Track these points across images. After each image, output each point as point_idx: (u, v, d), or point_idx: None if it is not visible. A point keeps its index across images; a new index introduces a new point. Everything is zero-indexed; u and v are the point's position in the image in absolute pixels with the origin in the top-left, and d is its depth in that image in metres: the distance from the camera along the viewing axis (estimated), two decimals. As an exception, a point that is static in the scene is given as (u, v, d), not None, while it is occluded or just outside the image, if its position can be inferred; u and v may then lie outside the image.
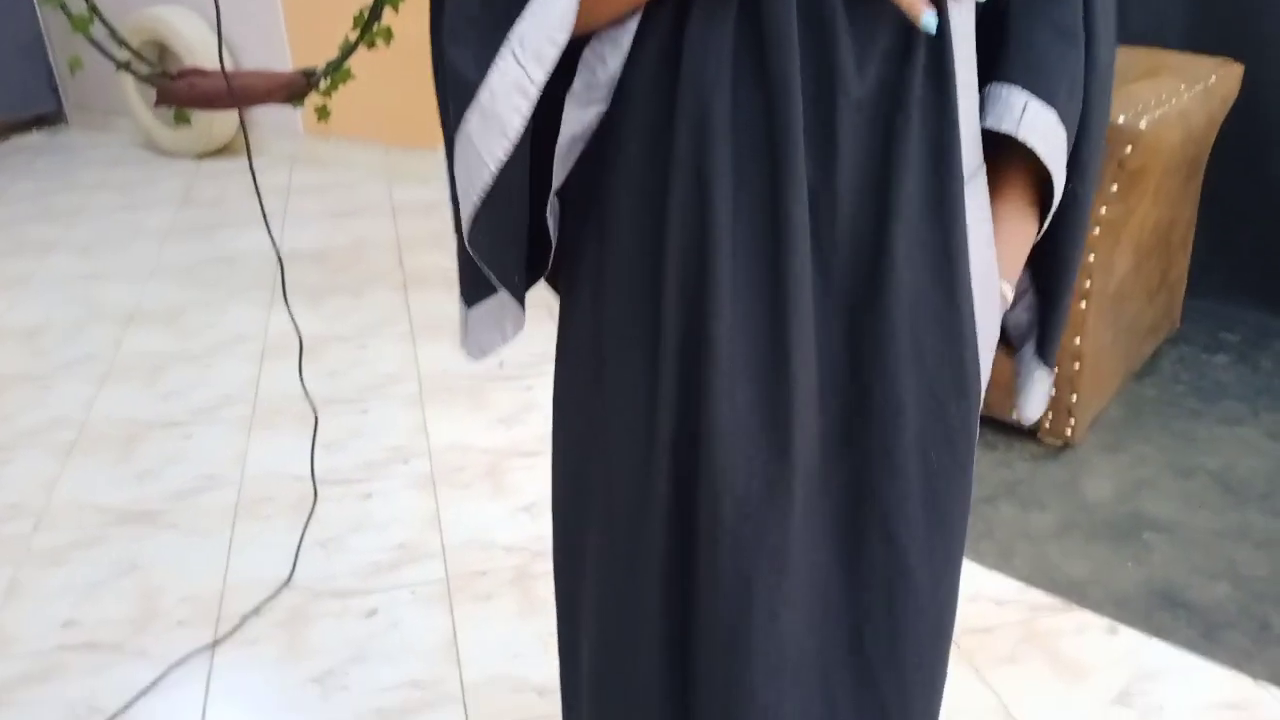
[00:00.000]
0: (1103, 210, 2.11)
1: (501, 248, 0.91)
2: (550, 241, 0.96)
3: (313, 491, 2.25)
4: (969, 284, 0.88)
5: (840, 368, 0.87)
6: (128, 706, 1.75)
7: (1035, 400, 1.13)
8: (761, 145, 0.82)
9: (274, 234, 1.60)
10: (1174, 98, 2.20)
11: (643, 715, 0.98)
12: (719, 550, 0.88)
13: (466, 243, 0.89)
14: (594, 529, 1.00)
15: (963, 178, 0.86)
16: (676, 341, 0.86)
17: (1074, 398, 2.27)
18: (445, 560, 2.08)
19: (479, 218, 0.86)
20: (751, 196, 0.83)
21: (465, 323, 1.02)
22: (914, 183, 0.84)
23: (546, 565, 2.06)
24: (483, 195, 0.84)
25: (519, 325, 1.01)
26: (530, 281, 1.01)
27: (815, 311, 0.85)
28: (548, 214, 0.94)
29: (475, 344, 1.03)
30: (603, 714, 1.04)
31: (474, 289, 0.98)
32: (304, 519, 2.18)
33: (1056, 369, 2.26)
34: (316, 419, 2.03)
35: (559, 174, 0.91)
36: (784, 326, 0.84)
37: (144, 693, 1.77)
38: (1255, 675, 1.75)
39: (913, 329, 0.87)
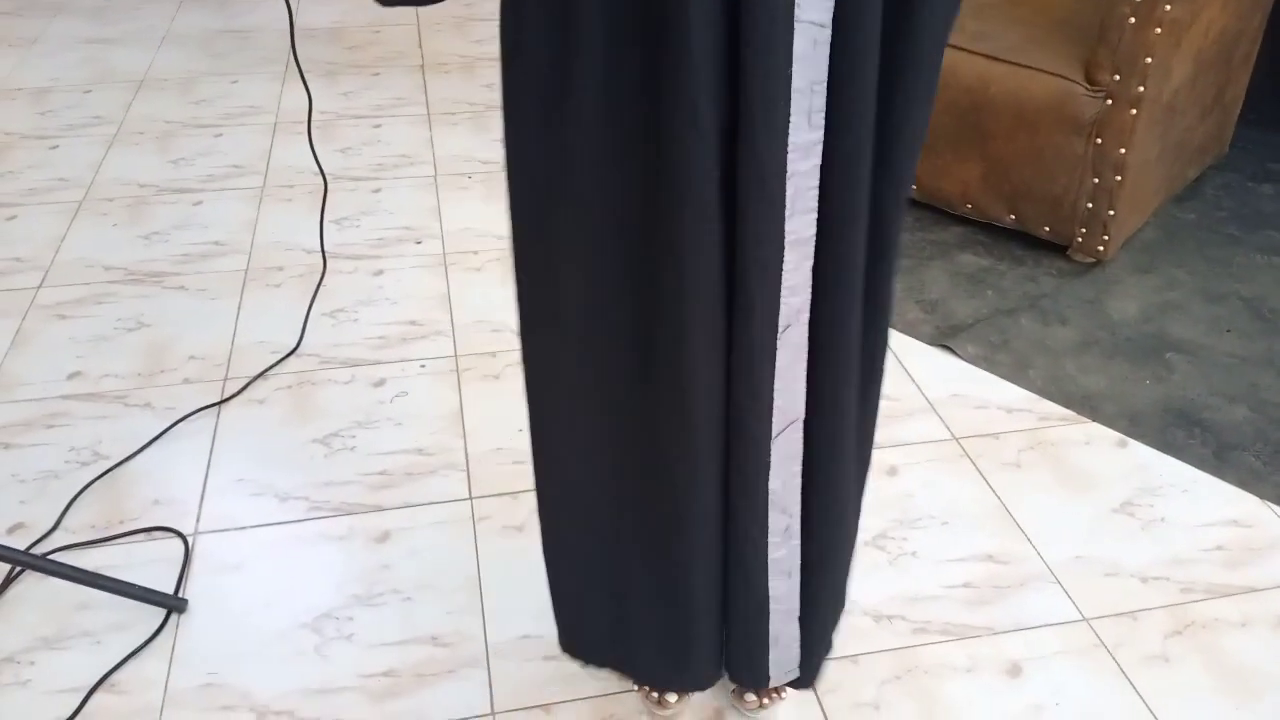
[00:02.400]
0: (1167, 7, 1.97)
1: None
2: None
3: (322, 262, 2.21)
4: None
5: None
6: (133, 455, 1.76)
7: None
8: None
9: (291, 7, 1.51)
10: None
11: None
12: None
13: None
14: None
15: None
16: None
17: (1111, 213, 2.18)
18: (455, 339, 2.05)
19: None
20: None
21: None
22: None
23: (555, 350, 2.06)
24: None
25: None
26: None
27: None
28: None
29: None
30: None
31: None
32: (313, 289, 2.16)
33: (1097, 180, 2.18)
34: (326, 184, 1.96)
35: None
36: None
37: (150, 444, 1.78)
38: (1263, 495, 1.74)
39: None
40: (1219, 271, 2.29)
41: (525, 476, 1.74)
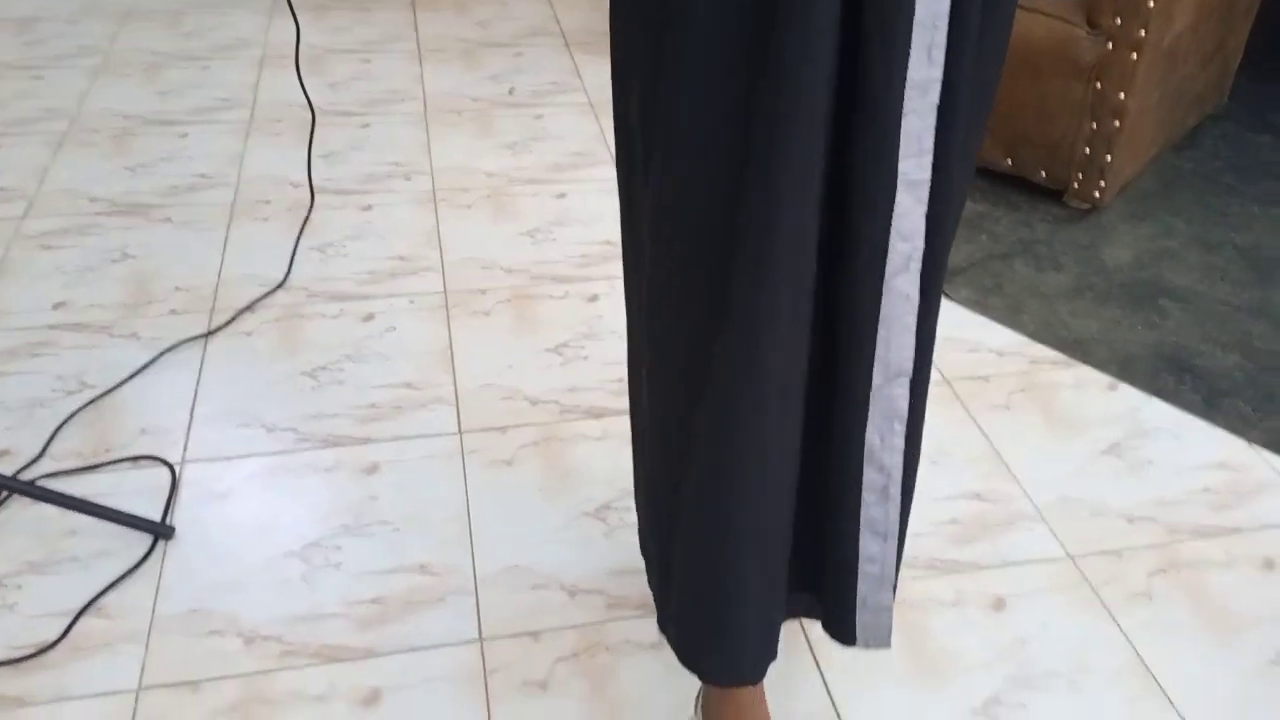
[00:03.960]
0: (1172, -51, 1.94)
1: None
2: None
3: (309, 195, 2.19)
4: None
5: None
6: (119, 385, 1.74)
7: None
8: None
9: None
10: None
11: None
12: None
13: None
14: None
15: None
16: None
17: (1108, 158, 2.17)
18: (444, 275, 2.04)
19: None
20: None
21: None
22: None
23: (545, 289, 2.04)
24: None
25: None
26: None
27: None
28: None
29: None
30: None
31: None
32: (300, 223, 2.13)
33: (1095, 125, 2.16)
34: (314, 117, 1.93)
35: None
36: None
37: (136, 373, 1.77)
38: (1251, 440, 1.74)
39: None
40: (1215, 220, 2.28)
41: (514, 413, 1.73)
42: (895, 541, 1.06)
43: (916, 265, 0.93)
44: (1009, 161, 2.30)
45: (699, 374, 0.98)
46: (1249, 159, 2.49)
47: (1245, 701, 1.34)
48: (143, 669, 1.32)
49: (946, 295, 2.03)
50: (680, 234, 0.93)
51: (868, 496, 1.03)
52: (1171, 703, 1.33)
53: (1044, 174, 2.27)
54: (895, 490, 1.03)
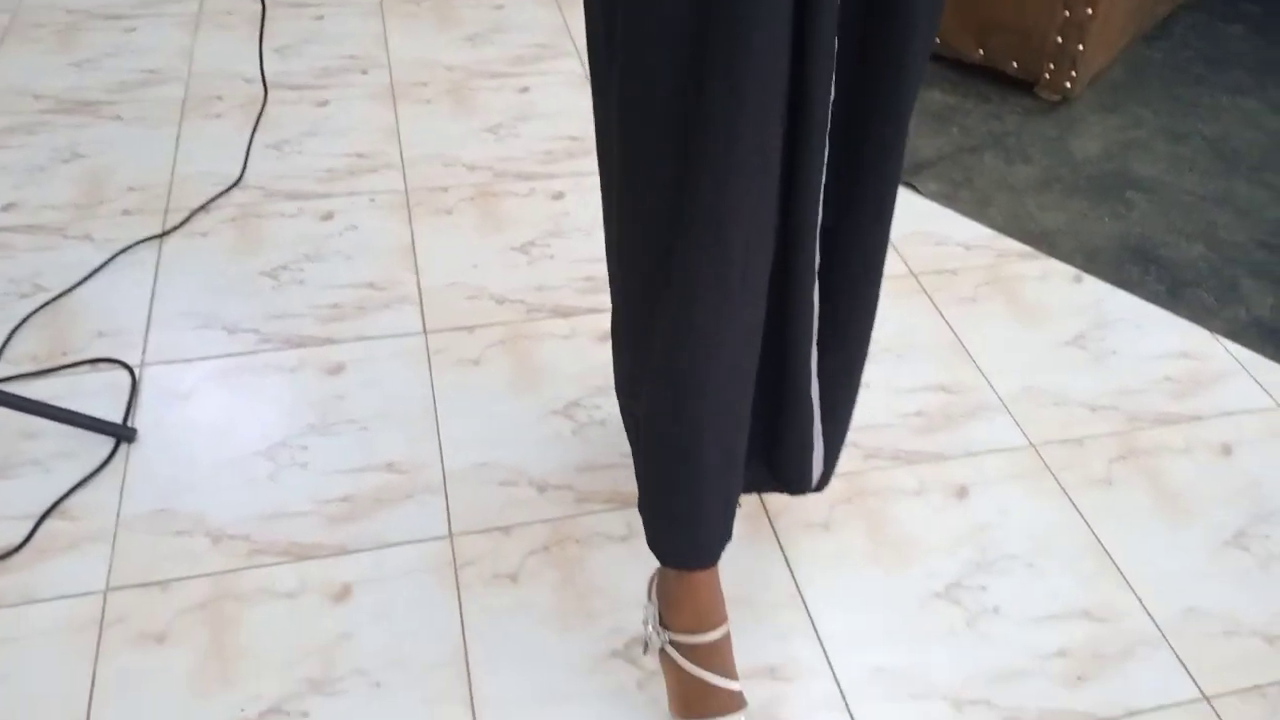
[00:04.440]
0: None
1: None
2: None
3: (263, 90, 2.12)
4: None
5: None
6: (75, 287, 1.70)
7: None
8: None
9: None
10: None
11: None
12: None
13: None
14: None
15: None
16: None
17: (1080, 48, 2.13)
18: (405, 172, 1.99)
19: None
20: None
21: None
22: None
23: (509, 186, 2.01)
24: None
25: None
26: None
27: None
28: None
29: None
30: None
31: None
32: (254, 120, 2.07)
33: (1068, 12, 2.12)
34: (264, 6, 1.86)
35: None
36: None
37: (91, 275, 1.73)
38: (1213, 330, 1.76)
39: None
40: (1184, 111, 2.27)
41: (480, 312, 1.71)
42: (819, 382, 1.14)
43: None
44: (980, 52, 2.27)
45: (665, 255, 0.97)
46: (1220, 49, 2.46)
47: (1198, 579, 1.38)
48: (110, 570, 1.32)
49: (915, 189, 2.02)
50: (645, 119, 0.91)
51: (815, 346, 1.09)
52: (1127, 581, 1.37)
53: (1015, 65, 2.24)
54: (814, 325, 1.09)
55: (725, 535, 1.16)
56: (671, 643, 1.17)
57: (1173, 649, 1.30)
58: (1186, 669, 1.28)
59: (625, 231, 1.00)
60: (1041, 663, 1.28)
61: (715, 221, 0.92)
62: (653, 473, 1.13)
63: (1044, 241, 1.92)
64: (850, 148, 0.98)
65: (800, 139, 0.92)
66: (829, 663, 1.27)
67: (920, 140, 2.15)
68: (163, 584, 1.31)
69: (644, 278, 1.01)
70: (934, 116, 2.22)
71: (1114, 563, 1.39)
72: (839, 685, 1.24)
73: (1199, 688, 1.26)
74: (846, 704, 1.23)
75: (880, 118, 0.96)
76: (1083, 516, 1.45)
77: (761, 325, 1.03)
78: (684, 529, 1.14)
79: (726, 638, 1.18)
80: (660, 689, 1.22)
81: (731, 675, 1.16)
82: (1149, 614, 1.34)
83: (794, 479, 1.23)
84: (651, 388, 1.05)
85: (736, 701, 1.16)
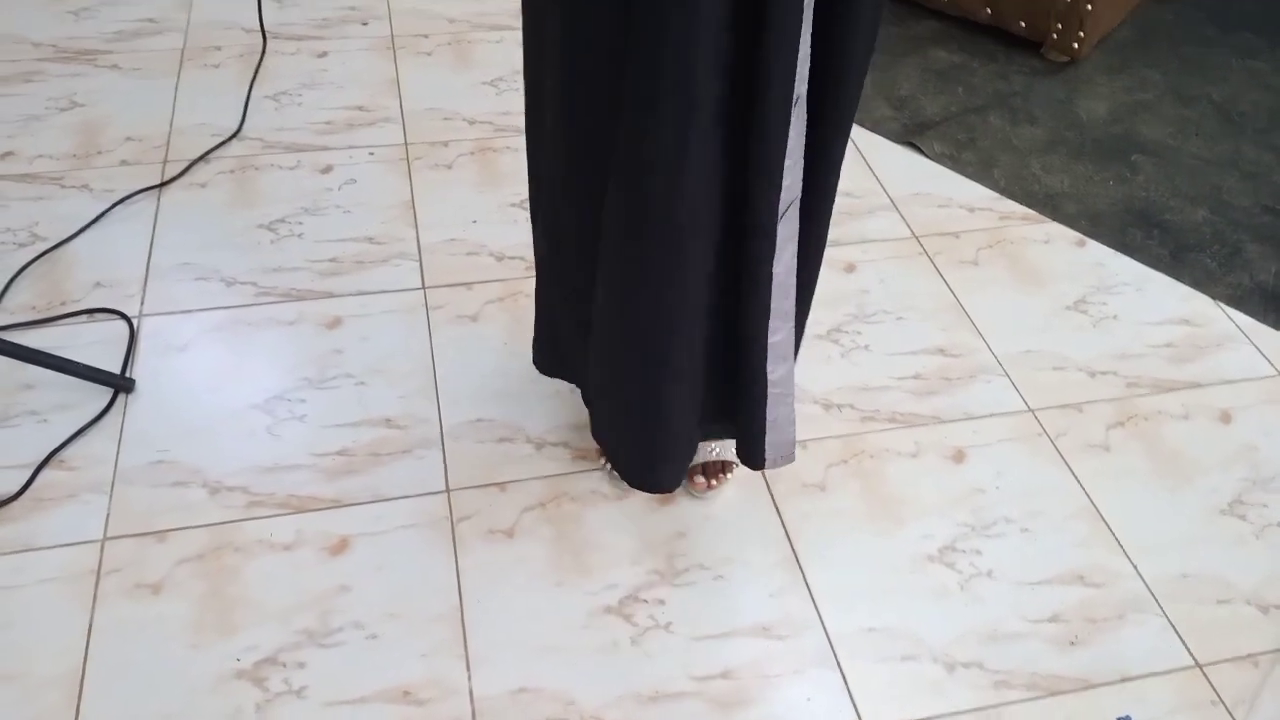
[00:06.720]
0: None
1: None
2: None
3: (262, 41, 2.10)
4: None
5: None
6: (72, 237, 1.69)
7: None
8: None
9: None
10: None
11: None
12: None
13: None
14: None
15: None
16: None
17: (1088, 7, 2.10)
18: (404, 126, 1.97)
19: None
20: None
21: None
22: None
23: (509, 141, 1.99)
24: None
25: None
26: None
27: None
28: None
29: None
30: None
31: None
32: (253, 71, 2.05)
33: (1077, -29, 2.09)
34: (264, -46, 1.84)
35: None
36: None
37: (89, 225, 1.71)
38: (1215, 296, 1.75)
39: None
40: (1192, 73, 2.24)
41: (479, 269, 1.71)
42: (792, 363, 1.14)
43: (805, 89, 0.95)
44: (988, 11, 2.24)
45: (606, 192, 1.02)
46: (1230, 9, 2.43)
47: (1191, 544, 1.39)
48: (107, 519, 1.32)
49: (919, 149, 2.00)
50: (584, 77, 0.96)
51: (774, 323, 1.08)
52: (1121, 546, 1.37)
53: (1023, 24, 2.21)
54: (791, 309, 1.09)
55: (684, 470, 1.30)
56: None
57: (1166, 615, 1.31)
58: (1179, 635, 1.29)
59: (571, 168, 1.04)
60: (1034, 626, 1.28)
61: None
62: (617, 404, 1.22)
63: (1048, 205, 1.90)
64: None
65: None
66: (821, 621, 1.27)
67: (925, 100, 2.13)
68: (160, 534, 1.31)
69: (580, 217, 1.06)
70: (939, 76, 2.20)
71: (1109, 528, 1.40)
72: (831, 644, 1.25)
73: (1191, 654, 1.27)
74: (839, 662, 1.24)
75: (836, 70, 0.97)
76: (1079, 481, 1.45)
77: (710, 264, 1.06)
78: (652, 461, 1.25)
79: None
80: (654, 644, 1.23)
81: None
82: (1143, 579, 1.34)
83: (745, 455, 1.24)
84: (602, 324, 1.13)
85: None
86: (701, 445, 1.36)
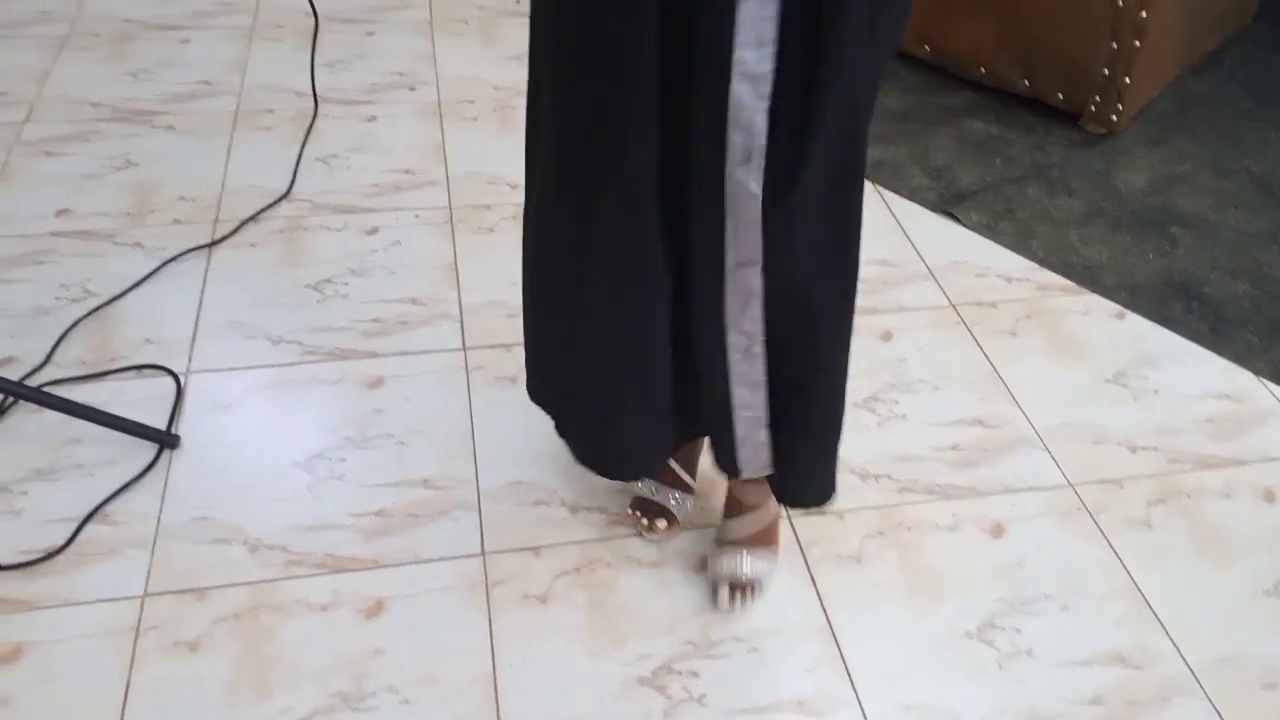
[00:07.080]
0: None
1: None
2: None
3: (313, 105, 2.16)
4: None
5: None
6: (123, 294, 1.74)
7: None
8: None
9: None
10: None
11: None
12: None
13: None
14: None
15: None
16: None
17: (1126, 80, 2.12)
18: (449, 189, 2.01)
19: None
20: None
21: None
22: None
23: (552, 204, 2.02)
24: None
25: None
26: None
27: None
28: None
29: None
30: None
31: None
32: (304, 133, 2.10)
33: (1115, 44, 2.11)
34: (317, 23, 1.89)
35: None
36: None
37: (140, 283, 1.76)
38: (1257, 371, 1.74)
39: None
40: (1230, 146, 2.25)
41: (518, 330, 1.72)
42: (765, 390, 1.15)
43: (759, 161, 0.95)
44: (1025, 82, 2.26)
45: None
46: (1269, 83, 2.44)
47: (1234, 628, 1.36)
48: (149, 575, 1.34)
49: (956, 219, 2.01)
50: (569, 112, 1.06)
51: (734, 355, 1.11)
52: (1162, 626, 1.35)
53: (1061, 96, 2.23)
54: (759, 349, 1.11)
55: (650, 469, 1.39)
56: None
57: (1209, 699, 1.28)
58: None
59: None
60: (1075, 708, 1.26)
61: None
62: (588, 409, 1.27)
63: (1086, 276, 1.90)
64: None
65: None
66: (858, 698, 1.26)
67: (962, 170, 2.14)
68: (199, 591, 1.33)
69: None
70: (976, 146, 2.21)
71: (1150, 607, 1.38)
72: (867, 720, 1.24)
73: (1234, 737, 1.25)
74: (874, 739, 1.22)
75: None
76: (1119, 558, 1.43)
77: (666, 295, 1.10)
78: (616, 457, 1.30)
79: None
80: (688, 718, 1.22)
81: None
82: (1185, 661, 1.32)
83: (718, 460, 1.26)
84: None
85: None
86: (727, 557, 1.35)
